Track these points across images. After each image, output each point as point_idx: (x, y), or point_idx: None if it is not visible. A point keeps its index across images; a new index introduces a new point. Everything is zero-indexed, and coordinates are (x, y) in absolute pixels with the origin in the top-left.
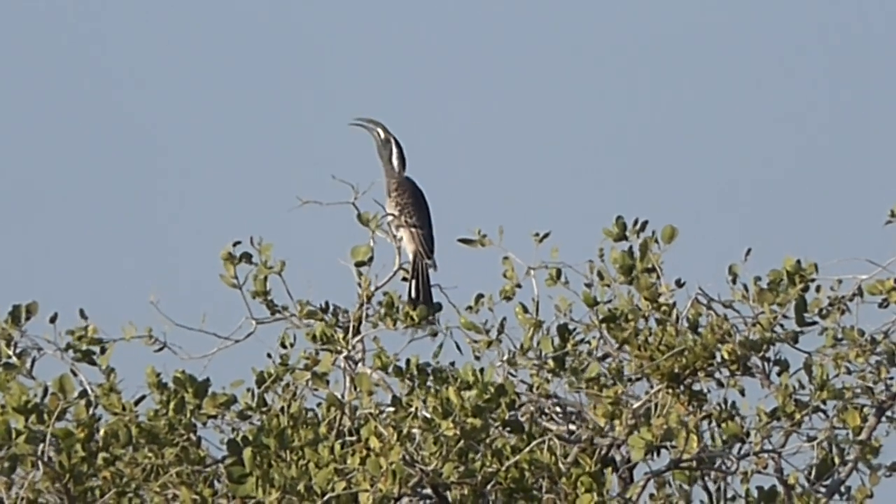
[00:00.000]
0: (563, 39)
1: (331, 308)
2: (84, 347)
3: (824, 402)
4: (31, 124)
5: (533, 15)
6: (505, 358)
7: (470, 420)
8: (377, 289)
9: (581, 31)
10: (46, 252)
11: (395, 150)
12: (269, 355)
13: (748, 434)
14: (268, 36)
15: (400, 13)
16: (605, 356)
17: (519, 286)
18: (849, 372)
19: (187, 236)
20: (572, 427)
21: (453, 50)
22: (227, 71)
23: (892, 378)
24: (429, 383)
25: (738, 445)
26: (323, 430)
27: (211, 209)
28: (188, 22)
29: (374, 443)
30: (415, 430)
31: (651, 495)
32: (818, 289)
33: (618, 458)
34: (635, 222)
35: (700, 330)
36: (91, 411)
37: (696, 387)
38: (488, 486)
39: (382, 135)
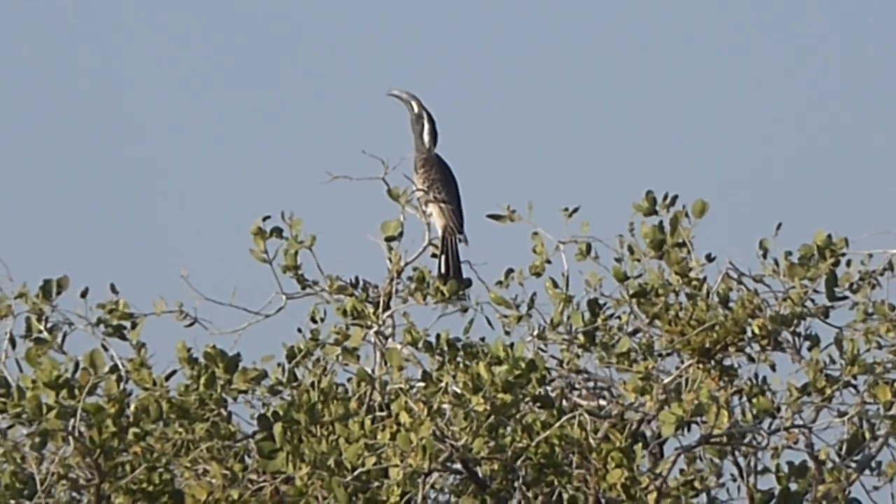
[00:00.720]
0: (593, 15)
1: (361, 283)
2: (115, 322)
3: (855, 377)
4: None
5: None
6: (535, 333)
7: (500, 395)
8: (407, 264)
9: (607, 9)
10: (76, 226)
11: (427, 126)
12: (299, 330)
13: (779, 409)
14: (299, 12)
15: None
16: (636, 331)
17: (549, 261)
18: (879, 347)
19: (218, 211)
20: (602, 402)
21: (484, 25)
22: (262, 45)
23: None
24: (459, 358)
25: (768, 420)
26: (353, 405)
27: (242, 184)
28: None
29: (405, 418)
30: (445, 406)
31: (681, 470)
32: (849, 263)
33: (648, 433)
34: (665, 197)
35: (731, 305)
36: (122, 386)
37: (727, 362)
38: (518, 462)
39: (416, 108)
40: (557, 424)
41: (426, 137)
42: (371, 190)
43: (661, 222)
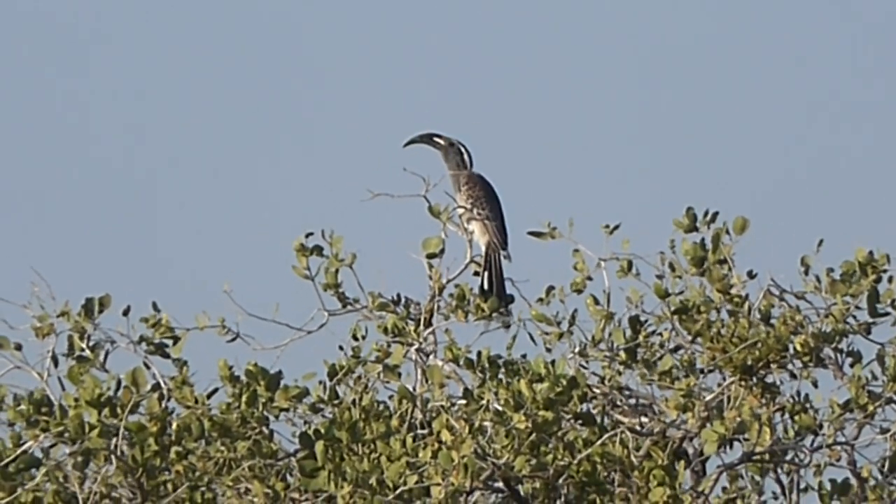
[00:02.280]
0: (631, 31)
1: (402, 300)
2: (157, 339)
3: None
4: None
5: (599, 8)
6: (576, 350)
7: (542, 413)
8: (449, 281)
9: (647, 24)
10: (119, 244)
11: (462, 150)
12: (340, 347)
13: (821, 426)
14: (342, 33)
15: (469, 9)
16: (678, 348)
17: (590, 278)
18: None
19: (261, 227)
20: (644, 419)
21: (521, 43)
22: (311, 63)
23: None
24: (500, 375)
25: (810, 438)
26: (395, 422)
27: (284, 201)
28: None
29: (446, 436)
30: (486, 423)
31: (723, 488)
32: (891, 279)
33: (690, 450)
34: (706, 213)
35: (772, 322)
36: (164, 404)
37: (769, 379)
38: (560, 480)
39: (442, 142)
40: (599, 442)
41: (466, 161)
42: (412, 207)
43: (702, 239)
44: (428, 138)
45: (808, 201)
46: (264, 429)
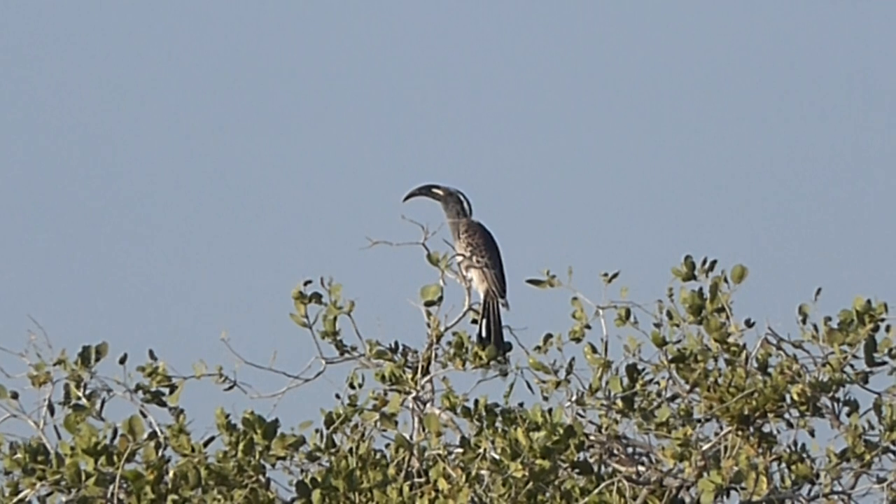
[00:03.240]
0: (628, 78)
1: (400, 348)
2: (154, 388)
3: (894, 443)
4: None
5: (595, 55)
6: (573, 398)
7: (538, 461)
8: (447, 329)
9: (645, 68)
10: (120, 292)
11: (462, 198)
12: (337, 396)
13: (818, 475)
14: (342, 79)
15: (468, 60)
16: (675, 397)
17: (588, 326)
18: None
19: (258, 275)
20: (641, 468)
21: (521, 92)
22: (300, 111)
23: None
24: (497, 424)
25: (807, 487)
26: (391, 471)
27: (281, 249)
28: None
29: (443, 484)
30: (483, 472)
31: None
32: (888, 328)
33: (687, 499)
34: (704, 262)
35: (769, 370)
36: (160, 453)
37: (766, 428)
38: None
39: (441, 192)
40: (596, 491)
41: (465, 208)
42: (411, 255)
43: (700, 288)
44: (426, 190)
45: (806, 250)
46: (261, 477)
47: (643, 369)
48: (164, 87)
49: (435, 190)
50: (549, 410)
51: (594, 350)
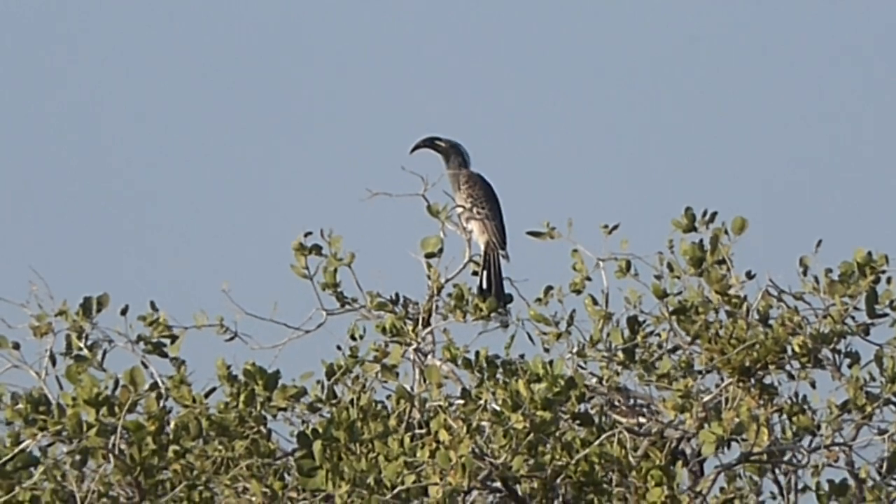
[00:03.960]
0: (629, 32)
1: (401, 300)
2: (155, 339)
3: (895, 395)
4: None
5: (597, 9)
6: (574, 350)
7: (539, 413)
8: (447, 281)
9: (646, 25)
10: (120, 243)
11: (461, 150)
12: (338, 347)
13: (819, 427)
14: (340, 33)
15: (468, 9)
16: (676, 348)
17: (588, 278)
18: None
19: (259, 227)
20: (642, 420)
21: (520, 43)
22: (310, 62)
23: None
24: (498, 376)
25: (808, 438)
26: (392, 422)
27: (282, 201)
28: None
29: (444, 435)
30: (484, 423)
31: (721, 488)
32: (889, 280)
33: (688, 451)
34: (704, 213)
35: (771, 323)
36: (161, 404)
37: (767, 380)
38: (558, 480)
39: (443, 144)
40: (597, 442)
41: (465, 160)
42: (411, 206)
43: (700, 240)
44: (430, 142)
45: (806, 201)
46: (262, 428)
47: (644, 321)
48: (159, 40)
49: (438, 142)
50: (550, 362)
51: (595, 302)
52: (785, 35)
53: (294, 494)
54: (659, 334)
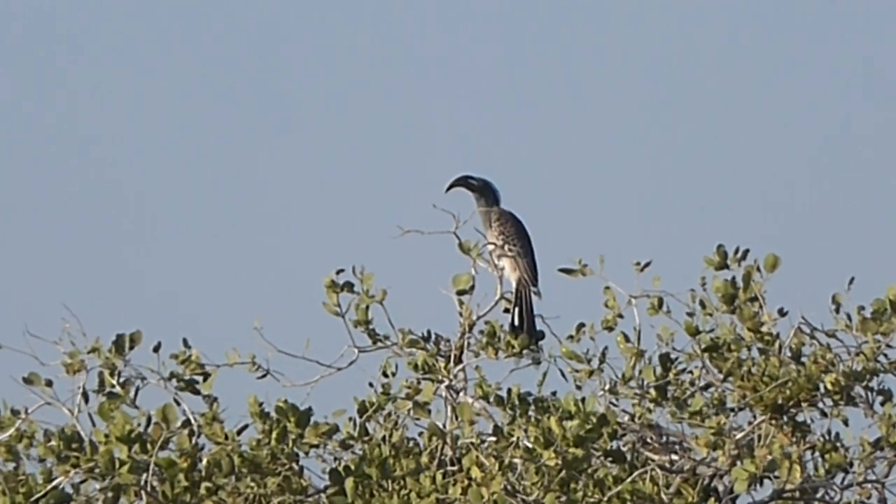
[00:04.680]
0: (661, 67)
1: (432, 337)
2: (187, 376)
3: None
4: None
5: (628, 39)
6: (607, 387)
7: (571, 450)
8: (479, 318)
9: (678, 52)
10: (154, 281)
11: (494, 188)
12: (370, 384)
13: (851, 464)
14: (375, 71)
15: (497, 46)
16: (708, 386)
17: (620, 315)
18: None
19: (292, 264)
20: (674, 457)
21: (550, 80)
22: (340, 100)
23: None
24: (530, 413)
25: (841, 475)
26: (424, 459)
27: (314, 238)
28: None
29: (476, 473)
30: (516, 460)
31: None
32: None
33: (720, 488)
34: (736, 251)
35: (803, 360)
36: (194, 440)
37: (800, 417)
38: None
39: (476, 183)
40: (629, 479)
41: (497, 198)
42: (443, 244)
43: (733, 277)
44: (464, 180)
45: (839, 239)
46: (294, 465)
47: (676, 358)
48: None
49: (471, 181)
50: (583, 399)
51: (627, 339)
52: (819, 58)
53: None
54: (691, 371)
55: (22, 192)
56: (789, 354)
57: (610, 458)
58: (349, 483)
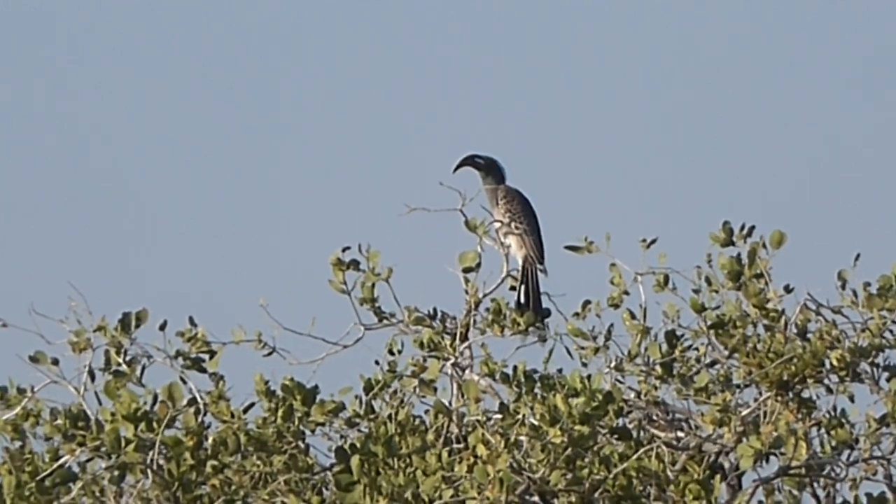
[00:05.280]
0: (669, 44)
1: (438, 315)
2: (193, 354)
3: None
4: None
5: (634, 16)
6: (612, 365)
7: (577, 427)
8: (485, 295)
9: (685, 36)
10: (159, 259)
11: (500, 166)
12: (376, 362)
13: (857, 440)
14: (381, 51)
15: (516, 23)
16: (714, 362)
17: (626, 293)
18: None
19: (298, 242)
20: (680, 434)
21: (558, 57)
22: (346, 78)
23: None
24: (536, 390)
25: (847, 452)
26: (430, 437)
27: (321, 216)
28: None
29: (482, 450)
30: (522, 438)
31: (760, 502)
32: None
33: (726, 465)
34: (742, 227)
35: (809, 336)
36: (200, 419)
37: (805, 394)
38: (596, 494)
39: (483, 162)
40: (635, 456)
41: (503, 175)
42: (449, 221)
43: (738, 253)
44: (471, 160)
45: (845, 215)
46: (300, 443)
47: (682, 335)
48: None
49: (478, 159)
50: (588, 376)
51: (633, 316)
52: (825, 38)
53: None
54: (697, 348)
55: (27, 175)
56: (795, 331)
57: (616, 436)
58: (355, 461)
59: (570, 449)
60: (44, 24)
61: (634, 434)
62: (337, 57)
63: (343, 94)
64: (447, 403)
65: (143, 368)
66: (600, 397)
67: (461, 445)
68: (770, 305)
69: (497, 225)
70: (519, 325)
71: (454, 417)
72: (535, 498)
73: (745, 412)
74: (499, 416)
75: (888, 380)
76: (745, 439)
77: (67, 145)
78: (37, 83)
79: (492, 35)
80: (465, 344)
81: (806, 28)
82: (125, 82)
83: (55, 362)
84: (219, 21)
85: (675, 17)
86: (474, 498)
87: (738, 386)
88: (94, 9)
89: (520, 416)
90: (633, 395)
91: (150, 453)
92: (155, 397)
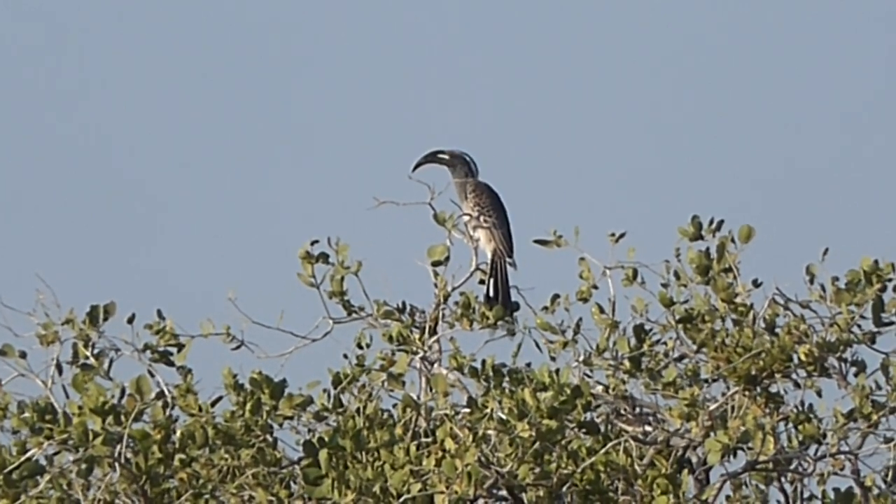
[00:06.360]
0: (638, 38)
1: (407, 308)
2: (161, 347)
3: None
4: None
5: (610, 14)
6: (581, 358)
7: (545, 421)
8: (454, 289)
9: (652, 31)
10: (127, 251)
11: (467, 160)
12: (345, 356)
13: (825, 435)
14: (347, 40)
15: (472, 16)
16: (682, 357)
17: (595, 287)
18: None
19: (266, 235)
20: (648, 428)
21: (525, 50)
22: (316, 72)
23: None
24: (504, 384)
25: (814, 447)
26: (398, 431)
27: (290, 209)
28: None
29: (450, 444)
30: (490, 432)
31: (727, 497)
32: None
33: (694, 459)
34: (711, 222)
35: (777, 331)
36: (168, 412)
37: (773, 388)
38: (564, 488)
39: (447, 156)
40: (603, 451)
41: (472, 169)
42: (418, 215)
43: (707, 248)
44: (433, 156)
45: (813, 209)
46: (268, 437)
47: (650, 329)
48: (164, 46)
49: (441, 155)
50: (557, 370)
51: (601, 310)
52: (793, 34)
53: (300, 503)
54: (665, 343)
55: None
56: (763, 325)
57: (584, 430)
58: (323, 455)
59: (538, 443)
60: (49, 22)
61: (602, 428)
62: (303, 51)
63: (310, 87)
64: (416, 397)
65: (111, 362)
66: (568, 391)
67: (429, 439)
68: (738, 300)
69: (466, 218)
70: (488, 318)
71: (423, 411)
72: (504, 492)
73: (712, 407)
74: (467, 410)
75: (856, 375)
76: (712, 434)
77: (60, 136)
78: (37, 83)
79: (461, 28)
80: (434, 338)
81: (774, 23)
82: (92, 81)
83: (23, 355)
84: (216, 28)
85: (640, 11)
86: (442, 492)
87: (706, 380)
88: (97, 9)
89: (488, 411)
90: (601, 389)
91: (118, 447)
92: (123, 391)
